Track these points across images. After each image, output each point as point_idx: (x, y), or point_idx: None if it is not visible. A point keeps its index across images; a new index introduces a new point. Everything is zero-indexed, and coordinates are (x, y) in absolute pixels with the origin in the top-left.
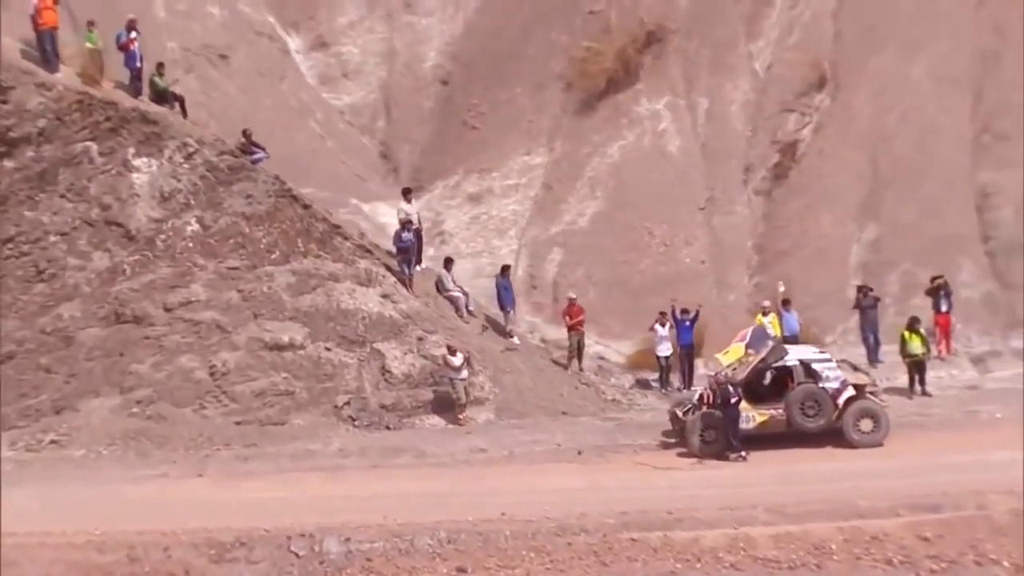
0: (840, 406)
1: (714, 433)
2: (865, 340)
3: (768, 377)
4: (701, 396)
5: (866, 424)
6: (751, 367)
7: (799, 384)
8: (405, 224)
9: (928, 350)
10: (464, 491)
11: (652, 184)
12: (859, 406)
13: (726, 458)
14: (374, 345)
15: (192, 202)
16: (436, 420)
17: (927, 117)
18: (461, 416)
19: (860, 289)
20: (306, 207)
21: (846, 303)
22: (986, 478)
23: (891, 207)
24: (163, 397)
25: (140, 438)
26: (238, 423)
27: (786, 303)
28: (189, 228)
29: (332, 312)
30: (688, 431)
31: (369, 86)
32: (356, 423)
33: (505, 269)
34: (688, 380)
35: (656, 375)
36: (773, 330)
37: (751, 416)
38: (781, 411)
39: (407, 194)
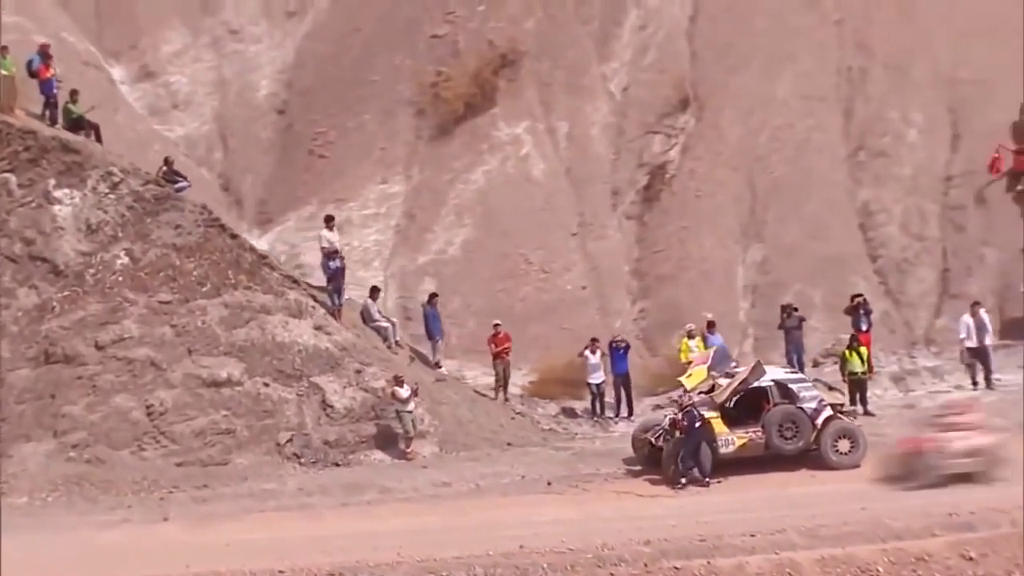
0: (818, 427)
1: (693, 459)
2: (790, 361)
3: (736, 399)
4: (673, 421)
5: (844, 445)
6: (731, 388)
7: (775, 405)
8: (332, 253)
9: (869, 369)
10: (459, 526)
11: (521, 210)
12: (837, 427)
13: (678, 484)
14: (312, 379)
15: (120, 234)
16: (380, 455)
17: (799, 136)
18: (409, 450)
19: (784, 309)
20: (234, 236)
21: (738, 326)
22: (988, 495)
23: (774, 227)
24: (99, 440)
25: (83, 483)
26: (179, 464)
27: (711, 326)
28: (119, 261)
29: (267, 346)
30: (665, 459)
31: (202, 117)
32: (301, 461)
33: (432, 298)
34: (629, 408)
35: (584, 403)
36: (698, 352)
37: (730, 440)
38: (760, 434)
39: (329, 222)
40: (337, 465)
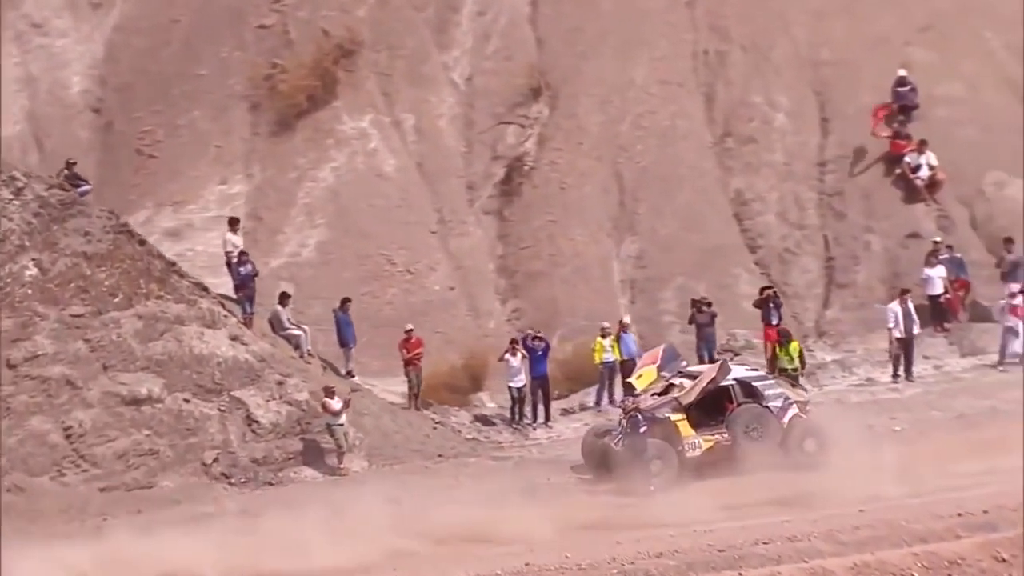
0: (784, 426)
1: (660, 463)
2: (700, 359)
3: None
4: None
5: (810, 444)
6: (699, 388)
7: (740, 405)
8: (241, 257)
9: (802, 365)
10: (438, 548)
11: (376, 208)
12: (803, 426)
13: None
14: (232, 393)
15: (27, 243)
16: (310, 472)
17: (662, 123)
18: (341, 466)
19: (696, 303)
20: (142, 243)
21: (615, 323)
22: (981, 492)
23: (647, 219)
24: (16, 466)
25: (10, 513)
26: (103, 489)
27: (624, 325)
28: (27, 272)
29: (185, 359)
30: (623, 462)
31: (13, 116)
32: (231, 481)
33: (345, 303)
34: (546, 413)
35: (499, 409)
36: (613, 353)
37: (697, 443)
38: (726, 435)
39: (234, 224)
40: (270, 484)
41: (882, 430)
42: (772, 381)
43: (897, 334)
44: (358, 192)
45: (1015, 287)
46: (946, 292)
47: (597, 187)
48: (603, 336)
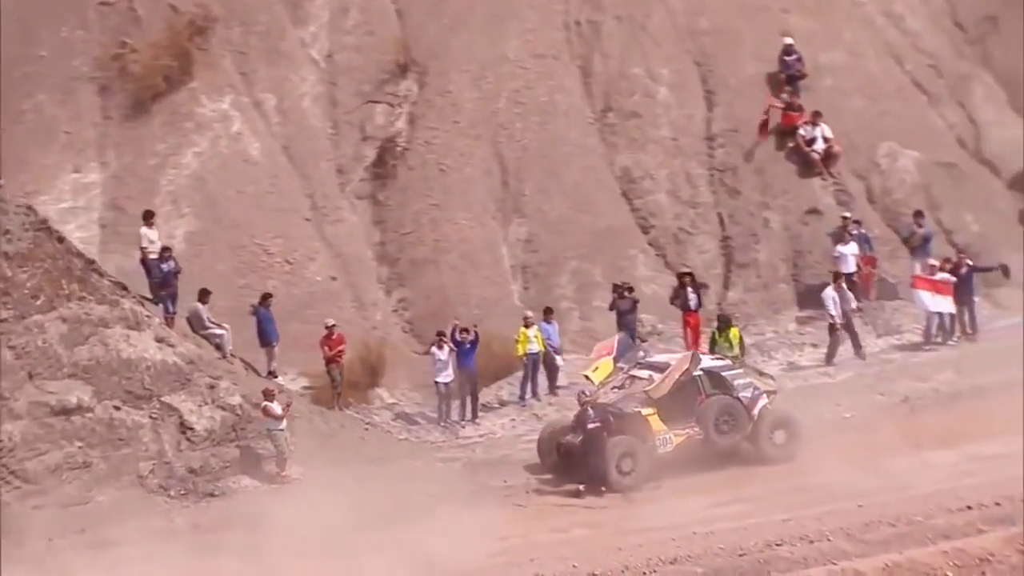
0: (754, 418)
1: (631, 462)
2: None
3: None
4: (608, 420)
5: (780, 436)
6: (671, 380)
7: (708, 397)
8: (163, 254)
9: (742, 352)
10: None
11: (245, 195)
12: (774, 416)
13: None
14: (163, 399)
15: None
16: (248, 481)
17: (540, 98)
18: (284, 473)
19: (617, 289)
20: (61, 240)
21: (514, 310)
22: (974, 482)
23: (534, 201)
24: None
25: None
26: (36, 507)
27: (548, 313)
28: None
29: (113, 364)
30: (604, 462)
31: None
32: (170, 494)
33: (266, 298)
34: (473, 410)
35: (420, 407)
36: (537, 344)
37: (668, 438)
38: (697, 429)
39: (149, 218)
40: (212, 496)
41: (831, 417)
42: (740, 371)
43: (837, 320)
44: (225, 178)
45: (935, 262)
46: (859, 270)
47: (478, 168)
48: (526, 326)
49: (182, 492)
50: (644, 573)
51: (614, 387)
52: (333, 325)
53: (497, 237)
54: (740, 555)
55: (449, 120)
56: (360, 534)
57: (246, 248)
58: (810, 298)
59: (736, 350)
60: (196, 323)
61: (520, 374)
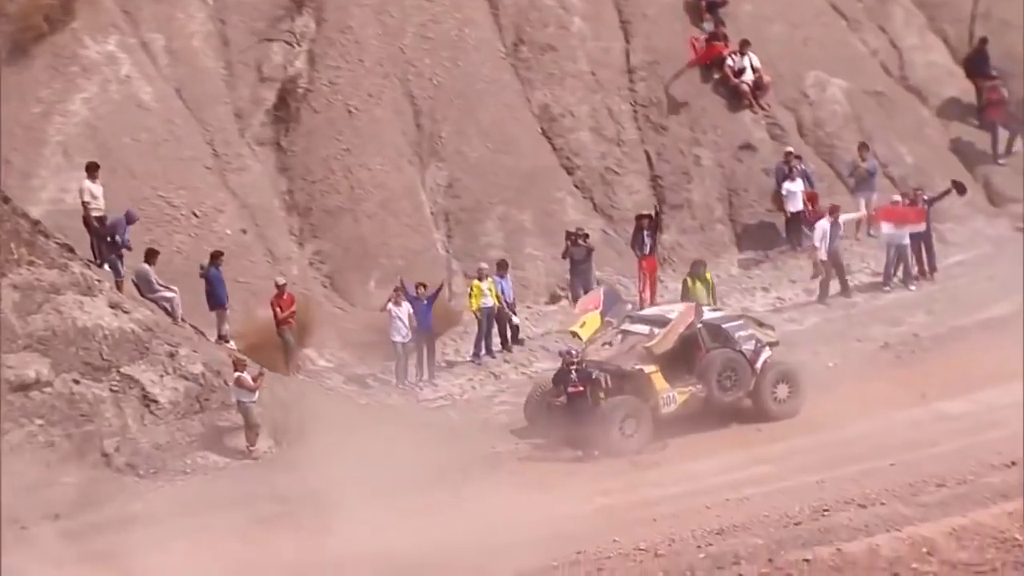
0: (757, 372)
1: (634, 424)
2: (575, 298)
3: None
4: (597, 380)
5: (782, 391)
6: (673, 334)
7: (709, 351)
8: (128, 216)
9: (713, 299)
10: (473, 533)
11: (142, 144)
12: (777, 370)
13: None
14: (122, 370)
15: None
16: (215, 457)
17: (449, 33)
18: (254, 447)
19: (571, 236)
20: (6, 200)
21: (440, 260)
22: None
23: (451, 143)
24: None
25: None
26: None
27: (502, 266)
28: None
29: (70, 333)
30: (604, 423)
31: None
32: (139, 473)
33: (216, 256)
34: (430, 370)
35: (368, 367)
36: (491, 298)
37: (672, 397)
38: (700, 386)
39: (93, 171)
40: (185, 473)
41: (815, 367)
42: (741, 322)
43: (822, 255)
44: (118, 126)
45: (897, 197)
46: (807, 208)
47: (388, 109)
48: (480, 279)
49: (152, 471)
50: (698, 547)
51: (604, 343)
52: (283, 284)
53: (415, 182)
54: (795, 524)
55: (353, 59)
56: (372, 508)
57: (148, 200)
58: (749, 239)
59: (709, 297)
60: (144, 286)
61: (461, 330)
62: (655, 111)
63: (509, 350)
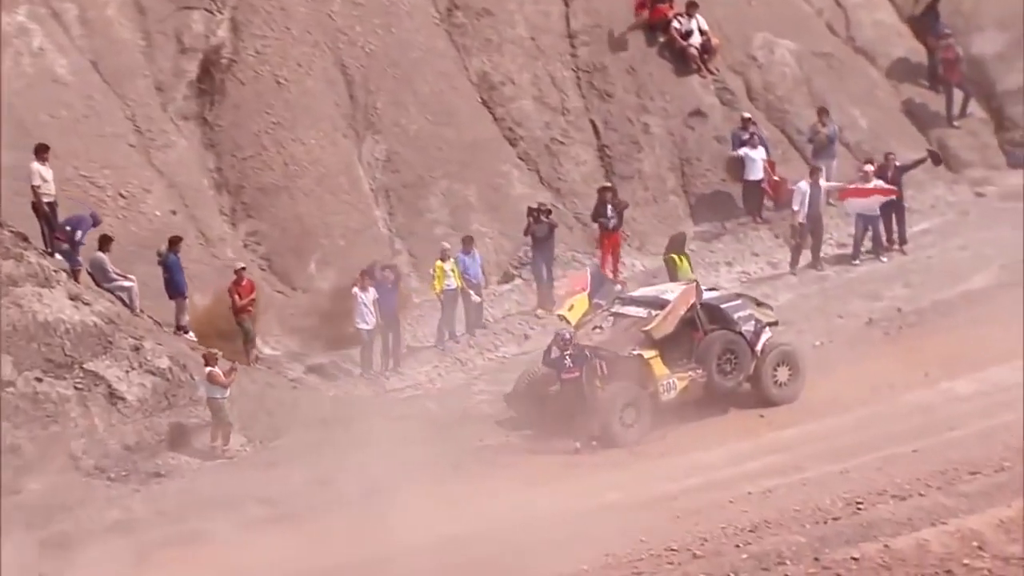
0: (758, 355)
1: (634, 413)
2: (538, 277)
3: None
4: (594, 366)
5: (783, 374)
6: (673, 316)
7: (707, 333)
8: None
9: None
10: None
11: (60, 120)
12: (778, 352)
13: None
14: (85, 366)
15: None
16: (186, 458)
17: None
18: (227, 446)
19: (533, 212)
20: None
21: (382, 239)
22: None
23: (388, 114)
24: None
25: None
26: None
27: (467, 242)
28: None
29: (31, 328)
30: (603, 412)
31: None
32: (109, 476)
33: (175, 242)
34: (395, 358)
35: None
36: (454, 279)
37: (672, 383)
38: (700, 371)
39: (42, 153)
40: (158, 476)
41: (801, 346)
42: (739, 301)
43: (801, 218)
44: (34, 102)
45: (870, 168)
46: (767, 176)
47: (319, 79)
48: (443, 259)
49: (123, 473)
50: (736, 546)
51: (595, 327)
52: (243, 268)
53: (352, 157)
54: (833, 519)
55: (279, 26)
56: (368, 508)
57: (71, 181)
58: (704, 210)
59: (691, 274)
60: (100, 275)
61: (417, 314)
62: (599, 77)
63: (472, 334)
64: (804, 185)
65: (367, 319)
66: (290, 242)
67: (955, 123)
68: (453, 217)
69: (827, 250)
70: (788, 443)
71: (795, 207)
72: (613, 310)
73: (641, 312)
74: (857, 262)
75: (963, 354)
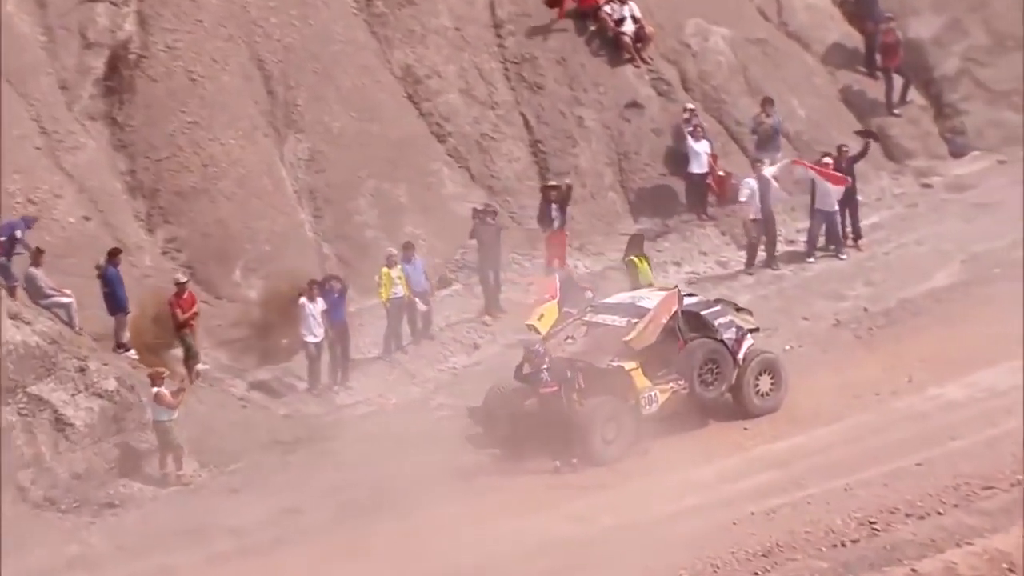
0: (740, 363)
1: (615, 428)
2: (485, 281)
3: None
4: (573, 380)
5: (765, 383)
6: (655, 325)
7: (687, 342)
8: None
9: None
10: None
11: None
12: (760, 360)
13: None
14: (29, 390)
15: None
16: (140, 486)
17: None
18: (180, 472)
19: (479, 213)
20: None
21: (309, 244)
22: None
23: (311, 111)
24: None
25: None
26: None
27: (408, 248)
28: None
29: None
30: (584, 428)
31: None
32: (60, 508)
33: (115, 254)
34: (343, 370)
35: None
36: (401, 287)
37: (654, 396)
38: (681, 383)
39: None
40: (112, 506)
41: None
42: (719, 307)
43: (753, 214)
44: None
45: (828, 161)
46: (712, 171)
47: (236, 75)
48: (389, 265)
49: (74, 504)
50: (755, 573)
51: (567, 337)
52: (185, 281)
53: (274, 157)
54: (852, 542)
55: (190, 19)
56: (347, 538)
57: None
58: (644, 206)
59: (650, 276)
60: (34, 292)
61: (357, 323)
62: (529, 69)
63: (419, 344)
64: (752, 180)
65: (315, 331)
66: (212, 249)
67: (895, 111)
68: (383, 219)
69: (777, 247)
70: (780, 457)
71: (742, 199)
72: (586, 319)
73: (618, 321)
74: (812, 259)
75: (944, 356)
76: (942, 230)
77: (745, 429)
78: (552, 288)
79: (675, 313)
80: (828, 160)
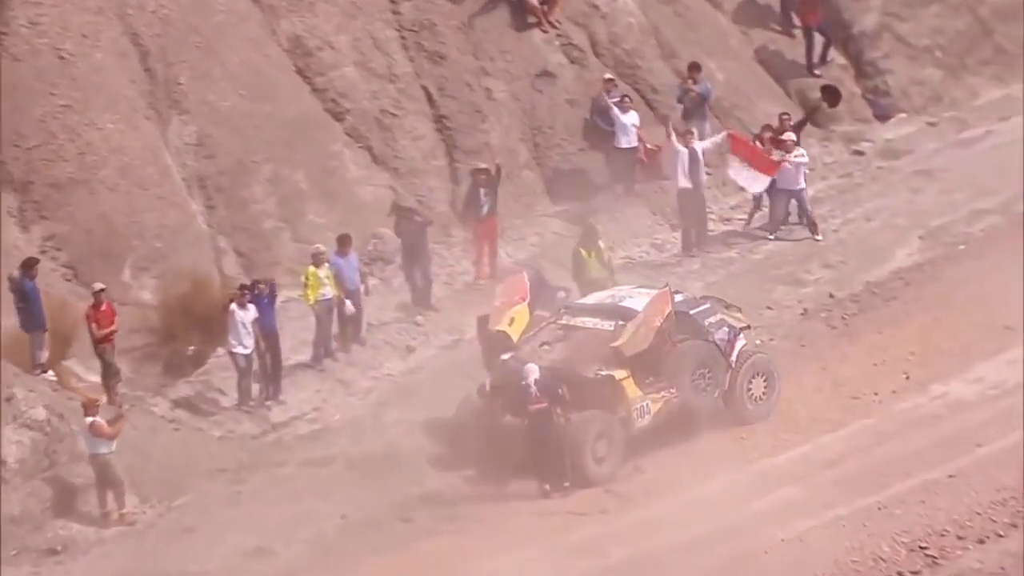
0: (733, 366)
1: (606, 444)
2: (412, 283)
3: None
4: (563, 394)
5: (758, 387)
6: (647, 329)
7: (677, 344)
8: None
9: (611, 272)
10: None
11: None
12: (752, 363)
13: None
14: None
15: None
16: (80, 527)
17: None
18: (124, 510)
19: (399, 210)
20: None
21: (204, 238)
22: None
23: (195, 90)
24: None
25: None
26: None
27: (342, 243)
28: None
29: None
30: (574, 446)
31: None
32: (13, 555)
33: (31, 264)
34: (275, 384)
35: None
36: (330, 287)
37: (646, 407)
38: (673, 391)
39: None
40: (55, 553)
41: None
42: (707, 305)
43: (685, 184)
44: None
45: (768, 135)
46: (641, 145)
47: (110, 52)
48: (317, 264)
49: (12, 552)
50: None
51: (543, 344)
52: (101, 290)
53: (158, 142)
54: (912, 572)
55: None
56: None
57: None
58: (563, 185)
59: (606, 271)
60: None
61: None
62: (428, 36)
63: (348, 351)
64: (679, 146)
65: (245, 341)
66: (96, 246)
67: (816, 71)
68: (282, 208)
69: (711, 226)
70: (790, 471)
71: (676, 172)
72: (563, 322)
73: (601, 324)
74: (773, 237)
75: (933, 348)
76: (890, 203)
77: (742, 439)
78: (522, 288)
79: (669, 315)
80: (768, 135)
